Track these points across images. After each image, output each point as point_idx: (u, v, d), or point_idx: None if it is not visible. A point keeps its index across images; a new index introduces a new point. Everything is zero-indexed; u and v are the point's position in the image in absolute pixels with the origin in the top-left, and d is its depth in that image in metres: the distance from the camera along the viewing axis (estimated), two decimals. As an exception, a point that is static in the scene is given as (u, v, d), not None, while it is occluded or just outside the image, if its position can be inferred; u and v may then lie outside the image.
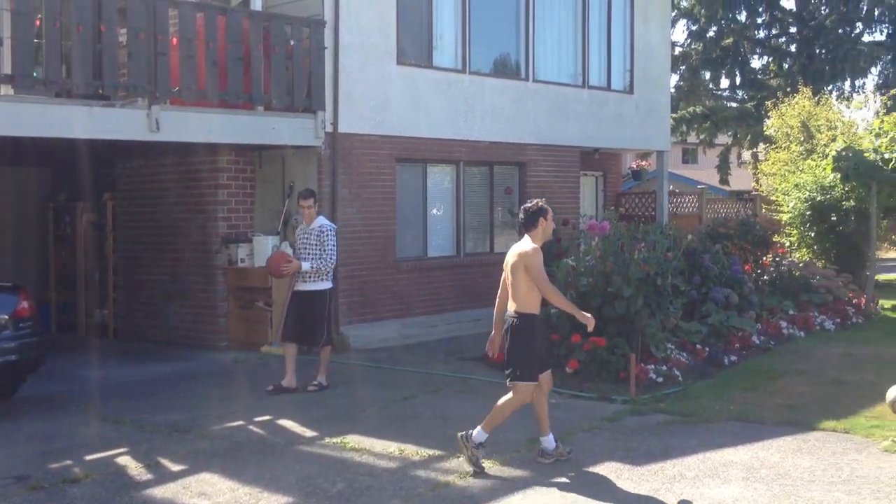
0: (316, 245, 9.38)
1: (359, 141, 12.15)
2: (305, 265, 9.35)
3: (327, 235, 9.41)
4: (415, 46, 12.94)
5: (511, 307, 6.67)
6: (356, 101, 12.05)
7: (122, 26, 9.97)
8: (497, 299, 6.91)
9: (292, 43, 11.25)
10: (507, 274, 6.74)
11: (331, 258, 9.41)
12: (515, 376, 6.61)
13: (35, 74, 9.29)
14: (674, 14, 24.18)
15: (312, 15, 11.59)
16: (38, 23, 9.28)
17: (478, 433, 6.61)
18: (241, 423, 8.17)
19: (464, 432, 6.64)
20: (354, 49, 12.00)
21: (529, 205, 6.83)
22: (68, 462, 7.03)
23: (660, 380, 9.36)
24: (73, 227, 13.82)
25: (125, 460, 7.05)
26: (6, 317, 8.49)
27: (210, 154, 11.97)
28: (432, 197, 13.46)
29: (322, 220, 9.56)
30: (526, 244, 6.67)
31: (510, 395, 6.67)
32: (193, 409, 8.64)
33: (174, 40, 10.33)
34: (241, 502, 6.06)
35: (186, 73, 10.31)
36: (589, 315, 6.82)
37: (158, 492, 6.31)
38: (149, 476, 6.66)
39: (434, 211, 13.57)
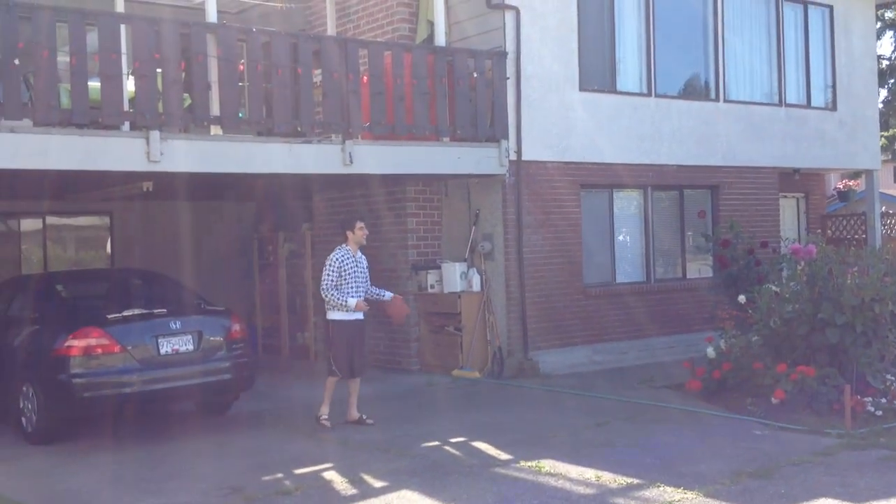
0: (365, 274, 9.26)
1: (542, 168, 12.25)
2: (388, 295, 9.43)
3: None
4: (597, 72, 12.89)
5: None
6: (539, 128, 12.17)
7: (317, 67, 10.58)
8: None
9: (475, 75, 11.53)
10: None
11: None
12: None
13: (240, 115, 10.01)
14: (878, 25, 22.65)
15: (495, 47, 11.86)
16: (241, 67, 10.07)
17: None
18: (437, 443, 8.35)
19: None
20: (536, 78, 12.14)
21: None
22: (279, 475, 7.39)
23: (879, 413, 8.79)
24: (275, 255, 14.68)
25: (331, 475, 7.36)
26: (221, 339, 9.09)
27: (399, 184, 12.46)
28: (619, 222, 13.30)
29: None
30: None
31: None
32: (391, 429, 8.90)
33: (364, 78, 10.85)
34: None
35: (376, 108, 10.79)
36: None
37: (363, 506, 6.57)
38: (353, 491, 6.92)
39: (621, 236, 13.42)
